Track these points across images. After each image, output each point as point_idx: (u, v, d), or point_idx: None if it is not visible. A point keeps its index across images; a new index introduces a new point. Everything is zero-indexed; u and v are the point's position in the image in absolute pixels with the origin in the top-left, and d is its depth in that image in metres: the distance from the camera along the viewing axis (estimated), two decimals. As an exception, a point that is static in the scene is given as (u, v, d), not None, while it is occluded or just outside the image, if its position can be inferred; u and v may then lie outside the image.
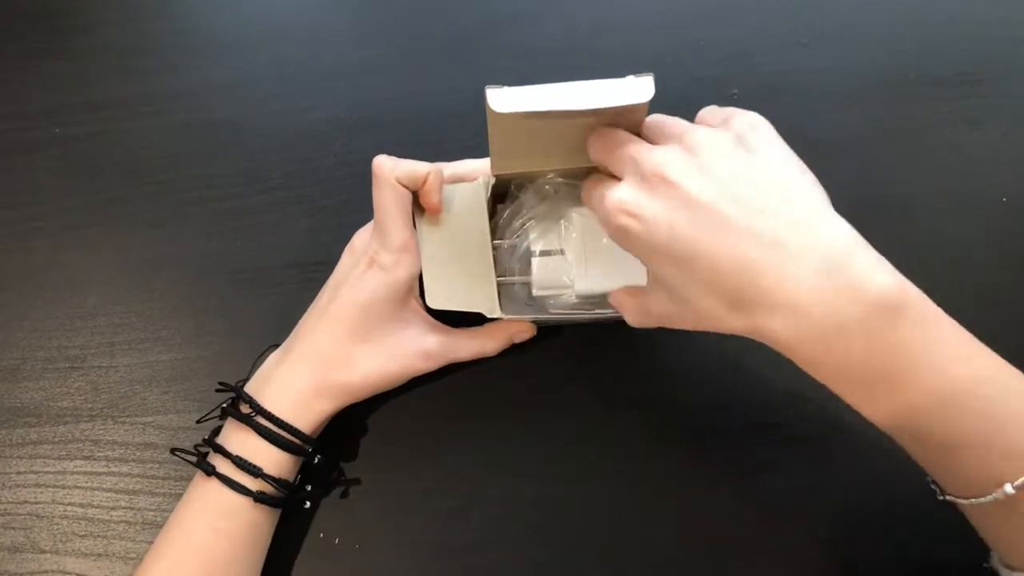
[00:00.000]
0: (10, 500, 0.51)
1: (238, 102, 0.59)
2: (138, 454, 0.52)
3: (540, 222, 0.47)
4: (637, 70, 0.59)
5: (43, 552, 0.50)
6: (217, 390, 0.49)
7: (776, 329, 0.34)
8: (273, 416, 0.45)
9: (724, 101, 0.58)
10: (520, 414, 0.52)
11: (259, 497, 0.44)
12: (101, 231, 0.56)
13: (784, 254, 0.34)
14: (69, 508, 0.51)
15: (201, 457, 0.46)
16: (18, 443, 0.52)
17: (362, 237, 0.49)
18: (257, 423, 0.45)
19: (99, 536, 0.50)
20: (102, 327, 0.54)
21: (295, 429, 0.45)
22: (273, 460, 0.45)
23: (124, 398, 0.53)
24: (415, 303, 0.49)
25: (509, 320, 0.49)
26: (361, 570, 0.49)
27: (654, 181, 0.36)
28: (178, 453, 0.47)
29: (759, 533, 0.50)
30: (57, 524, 0.50)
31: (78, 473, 0.51)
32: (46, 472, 0.51)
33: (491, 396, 0.52)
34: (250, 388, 0.47)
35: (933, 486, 0.40)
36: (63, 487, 0.51)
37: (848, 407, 0.36)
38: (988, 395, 0.34)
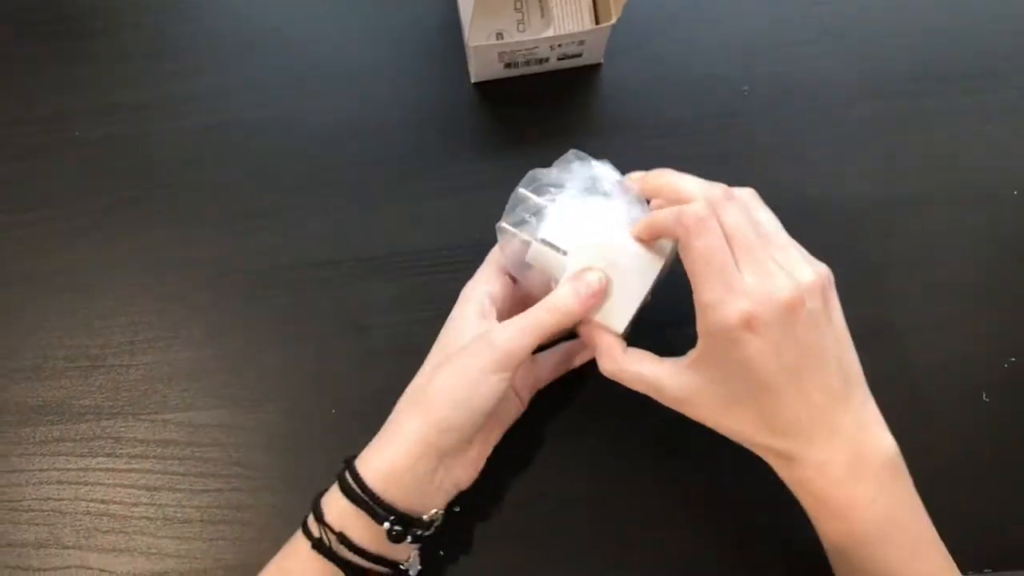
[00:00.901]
0: (34, 497, 0.52)
1: (251, 105, 0.59)
2: (159, 451, 0.52)
3: (562, 210, 0.45)
4: (645, 68, 0.60)
5: (66, 548, 0.51)
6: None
7: (811, 456, 0.40)
8: (349, 460, 0.44)
9: (735, 99, 0.59)
10: (530, 412, 0.52)
11: (315, 544, 0.42)
12: (119, 233, 0.57)
13: (843, 406, 0.40)
14: (92, 504, 0.51)
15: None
16: (41, 440, 0.53)
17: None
18: (340, 470, 0.44)
19: (121, 532, 0.51)
20: (121, 326, 0.55)
21: (355, 472, 0.43)
22: (339, 510, 0.43)
23: (144, 396, 0.53)
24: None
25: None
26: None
27: (794, 308, 0.39)
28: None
29: (768, 528, 0.50)
30: (80, 520, 0.51)
31: (100, 470, 0.52)
32: (69, 469, 0.52)
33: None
34: None
35: None
36: (86, 483, 0.52)
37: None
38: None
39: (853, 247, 0.55)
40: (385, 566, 0.44)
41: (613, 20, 0.52)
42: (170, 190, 0.58)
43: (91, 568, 0.50)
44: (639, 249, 0.44)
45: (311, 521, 0.43)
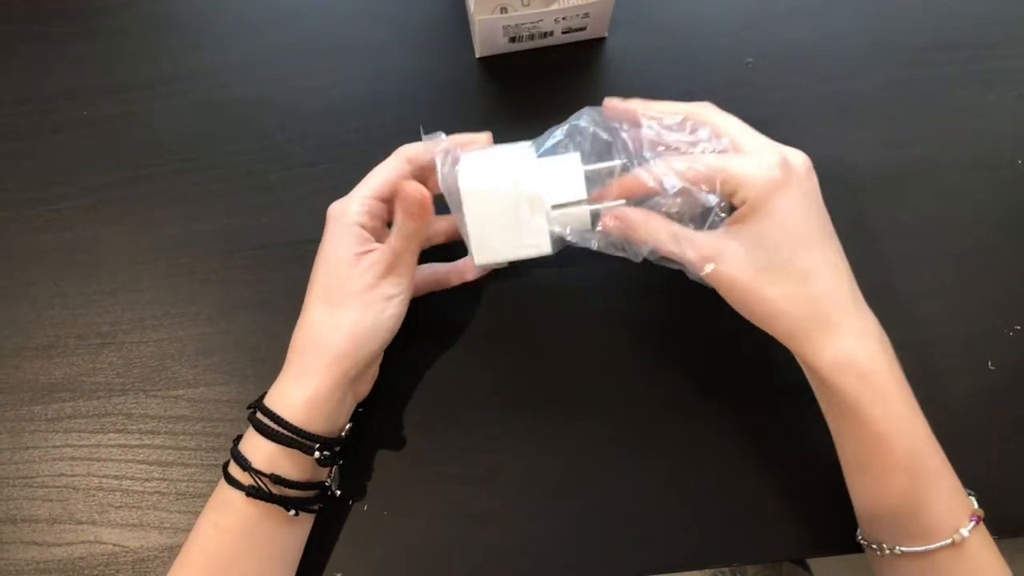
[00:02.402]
0: (47, 473, 0.52)
1: (259, 81, 0.60)
2: (170, 426, 0.53)
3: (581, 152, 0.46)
4: (649, 41, 0.59)
5: (80, 523, 0.51)
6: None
7: (852, 325, 0.42)
8: (259, 404, 0.46)
9: (738, 70, 0.59)
10: (543, 383, 0.53)
11: (250, 491, 0.44)
12: (128, 210, 0.57)
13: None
14: (104, 480, 0.52)
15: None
16: (53, 418, 0.53)
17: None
18: (250, 416, 0.46)
19: (134, 507, 0.51)
20: (132, 303, 0.55)
21: (274, 414, 0.44)
22: (266, 453, 0.44)
23: (155, 372, 0.54)
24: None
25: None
26: (388, 536, 0.50)
27: (810, 168, 0.44)
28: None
29: (787, 497, 0.50)
30: (93, 496, 0.51)
31: (112, 446, 0.52)
32: (81, 445, 0.52)
33: (514, 366, 0.53)
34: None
35: (874, 546, 0.45)
36: (98, 460, 0.52)
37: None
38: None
39: (858, 217, 0.55)
40: (313, 489, 0.47)
41: None
42: (178, 167, 0.58)
43: (104, 543, 0.51)
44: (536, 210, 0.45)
45: (237, 472, 0.45)
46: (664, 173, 0.44)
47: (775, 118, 0.57)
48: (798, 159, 0.43)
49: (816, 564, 1.00)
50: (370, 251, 0.47)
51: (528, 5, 0.53)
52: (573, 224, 0.46)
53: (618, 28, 0.59)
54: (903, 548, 0.42)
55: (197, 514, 0.50)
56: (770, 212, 0.42)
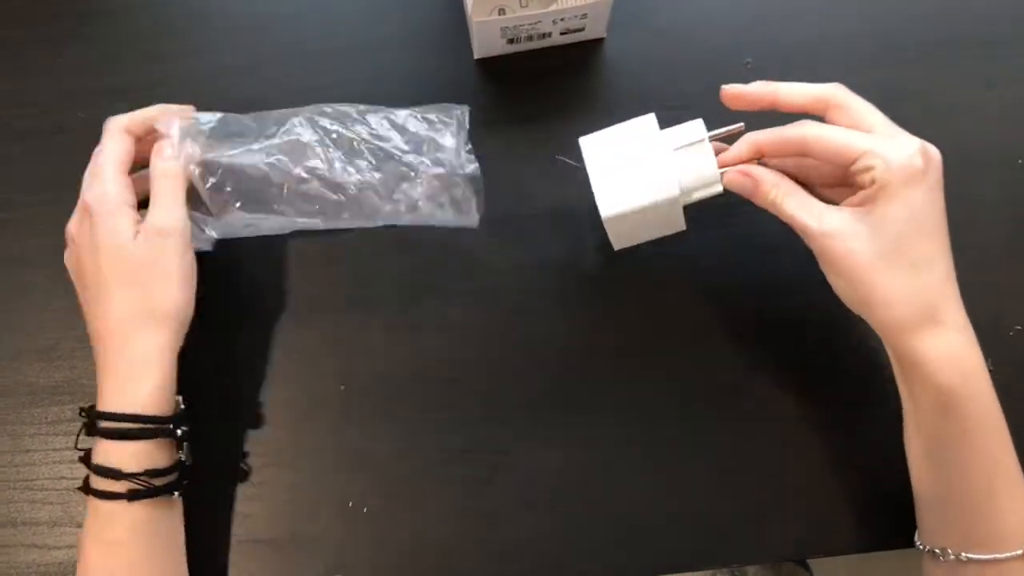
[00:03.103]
0: (48, 476, 0.52)
1: (258, 83, 0.59)
2: (170, 429, 0.53)
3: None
4: (647, 42, 0.59)
5: (80, 526, 0.51)
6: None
7: (956, 319, 0.42)
8: (104, 414, 0.44)
9: (738, 70, 0.59)
10: (544, 383, 0.53)
11: (132, 496, 0.43)
12: (127, 212, 0.57)
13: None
14: (105, 483, 0.52)
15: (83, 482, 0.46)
16: (54, 420, 0.53)
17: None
18: (96, 427, 0.45)
19: (134, 509, 0.51)
20: (132, 306, 0.55)
21: (128, 415, 0.44)
22: (131, 455, 0.44)
23: (154, 375, 0.54)
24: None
25: None
26: (387, 537, 0.50)
27: (941, 162, 0.43)
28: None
29: (787, 497, 0.50)
30: (93, 498, 0.52)
31: (112, 449, 0.52)
32: (82, 448, 0.52)
33: (514, 366, 0.53)
34: None
35: (936, 551, 0.43)
36: (98, 462, 0.52)
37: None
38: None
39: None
40: (176, 470, 0.47)
41: None
42: (177, 170, 0.58)
43: (105, 545, 0.51)
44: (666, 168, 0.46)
45: (108, 484, 0.44)
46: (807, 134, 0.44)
47: (773, 119, 0.57)
48: (935, 150, 0.43)
49: (816, 564, 1.00)
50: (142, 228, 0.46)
51: (526, 6, 0.53)
52: (697, 171, 0.46)
53: (616, 29, 0.59)
54: (968, 555, 0.42)
55: (195, 515, 0.50)
56: (903, 199, 0.41)
